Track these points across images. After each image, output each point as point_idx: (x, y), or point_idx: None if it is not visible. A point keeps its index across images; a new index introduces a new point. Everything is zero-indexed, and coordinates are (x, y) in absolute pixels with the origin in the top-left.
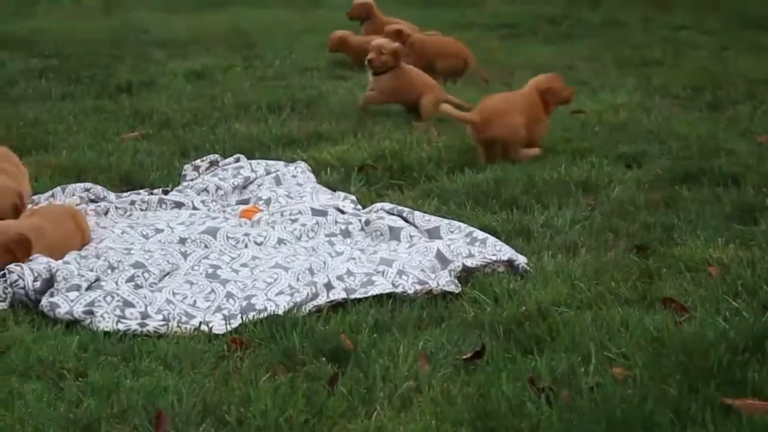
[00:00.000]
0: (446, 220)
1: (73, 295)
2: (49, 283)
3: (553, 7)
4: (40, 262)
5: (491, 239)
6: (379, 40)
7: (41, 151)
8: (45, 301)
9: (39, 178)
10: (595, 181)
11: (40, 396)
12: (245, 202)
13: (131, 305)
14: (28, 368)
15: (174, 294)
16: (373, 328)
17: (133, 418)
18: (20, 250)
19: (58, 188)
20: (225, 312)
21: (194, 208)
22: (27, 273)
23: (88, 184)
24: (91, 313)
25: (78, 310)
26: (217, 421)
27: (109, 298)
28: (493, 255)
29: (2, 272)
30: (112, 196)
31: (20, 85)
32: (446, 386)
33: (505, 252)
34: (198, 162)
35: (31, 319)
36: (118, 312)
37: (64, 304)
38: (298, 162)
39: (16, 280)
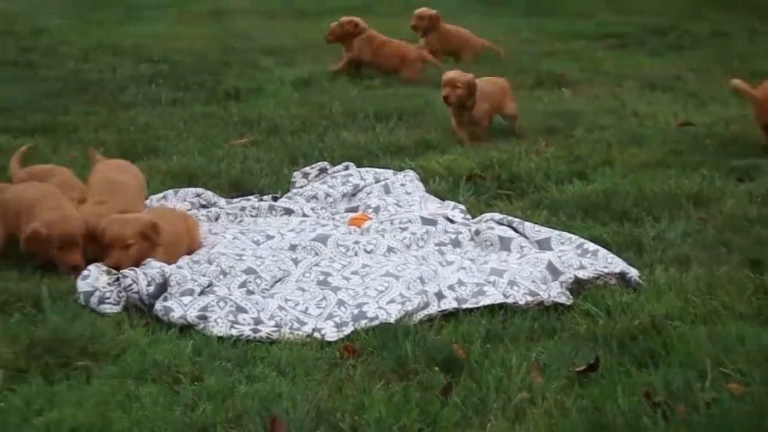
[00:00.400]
0: (557, 231)
1: (186, 299)
2: (163, 287)
3: (660, 19)
4: (154, 267)
5: (602, 251)
6: (451, 75)
7: (152, 156)
8: (159, 305)
9: (150, 183)
10: (707, 194)
11: (156, 399)
12: (354, 209)
13: (244, 311)
14: (144, 371)
15: (286, 300)
16: (485, 339)
17: (248, 423)
18: (155, 236)
19: (171, 191)
20: (336, 319)
21: (304, 215)
22: (141, 277)
23: (200, 190)
24: (204, 318)
25: (192, 315)
26: (331, 428)
27: (222, 304)
28: (605, 267)
29: (116, 277)
30: (222, 201)
31: (130, 91)
32: (560, 399)
33: (617, 264)
34: (307, 169)
35: (146, 323)
36: (231, 317)
37: (178, 308)
38: (406, 170)
39: (130, 285)
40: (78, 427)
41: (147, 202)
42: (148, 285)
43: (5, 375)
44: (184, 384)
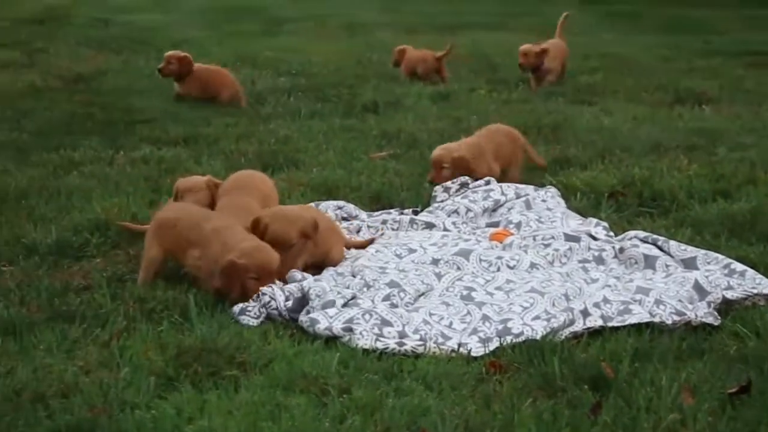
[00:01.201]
0: (702, 251)
1: (331, 311)
2: (302, 301)
3: None
4: (294, 279)
5: (750, 272)
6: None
7: (293, 168)
8: (304, 317)
9: (291, 195)
10: None
11: (305, 410)
12: (495, 224)
13: (389, 324)
14: (291, 382)
15: (430, 314)
16: (633, 358)
17: None
18: (313, 234)
19: (312, 204)
20: (481, 334)
21: (445, 229)
22: (278, 294)
23: (341, 202)
24: (350, 330)
25: (337, 327)
26: None
27: (367, 316)
28: (753, 288)
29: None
30: (363, 214)
31: (270, 103)
32: (712, 421)
33: (766, 285)
34: (449, 184)
35: (291, 334)
36: (376, 330)
37: (324, 320)
38: (548, 187)
39: (269, 302)
40: None
41: None
42: (286, 300)
43: (156, 382)
44: (332, 396)
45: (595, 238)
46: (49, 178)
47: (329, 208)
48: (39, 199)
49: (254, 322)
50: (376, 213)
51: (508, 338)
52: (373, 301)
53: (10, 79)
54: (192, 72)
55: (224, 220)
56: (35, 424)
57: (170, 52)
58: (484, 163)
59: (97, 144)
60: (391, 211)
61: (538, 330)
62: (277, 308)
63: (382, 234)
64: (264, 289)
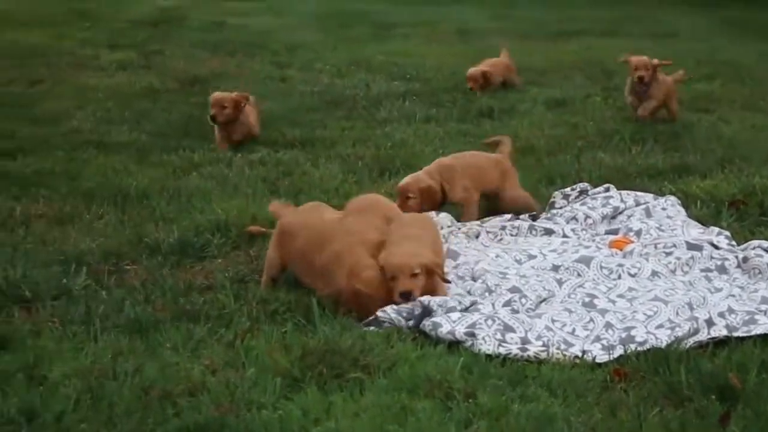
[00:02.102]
0: None
1: (454, 315)
2: (423, 315)
3: None
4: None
5: None
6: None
7: (410, 172)
8: (427, 320)
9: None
10: None
11: (431, 414)
12: (614, 232)
13: (512, 330)
14: (416, 386)
15: (553, 321)
16: (761, 368)
17: None
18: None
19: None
20: (604, 342)
21: (564, 235)
22: (396, 317)
23: None
24: (472, 335)
25: (460, 331)
26: None
27: (489, 322)
28: None
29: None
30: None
31: (385, 107)
32: None
33: None
34: (568, 190)
35: (414, 338)
36: (498, 336)
37: (446, 324)
38: (668, 196)
39: (390, 319)
40: None
41: None
42: (408, 320)
43: (282, 383)
44: (458, 400)
45: (717, 247)
46: (169, 179)
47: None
48: (160, 200)
49: (376, 327)
50: (494, 218)
51: (632, 346)
52: (493, 306)
53: (128, 80)
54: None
55: (347, 238)
56: (164, 422)
57: (218, 95)
58: (458, 186)
59: (216, 146)
60: (507, 216)
61: (662, 339)
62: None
63: (501, 239)
64: (380, 313)
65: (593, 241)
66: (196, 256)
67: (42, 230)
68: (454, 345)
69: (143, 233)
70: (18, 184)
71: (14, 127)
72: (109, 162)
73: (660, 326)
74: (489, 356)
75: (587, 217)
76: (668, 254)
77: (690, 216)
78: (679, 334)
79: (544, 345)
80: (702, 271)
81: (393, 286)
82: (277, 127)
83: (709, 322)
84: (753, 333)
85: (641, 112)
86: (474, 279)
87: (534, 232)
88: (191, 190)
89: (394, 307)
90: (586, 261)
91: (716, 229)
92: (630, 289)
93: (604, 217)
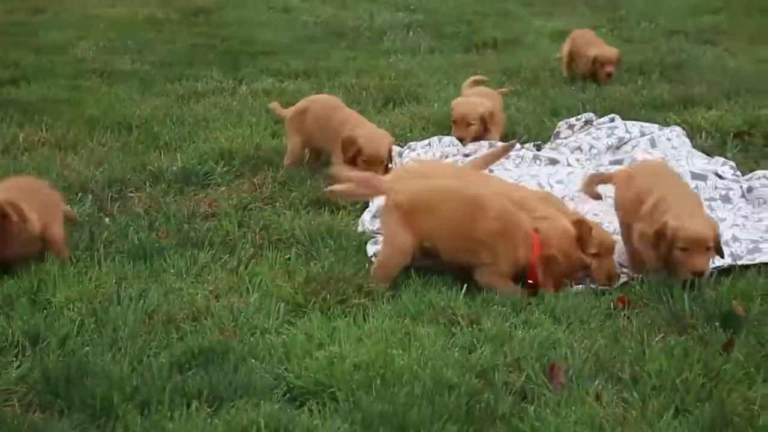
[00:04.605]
0: None
1: None
2: None
3: None
4: None
5: None
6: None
7: (414, 103)
8: None
9: (413, 129)
10: None
11: (435, 340)
12: (619, 162)
13: None
14: (419, 312)
15: None
16: (764, 296)
17: (526, 367)
18: None
19: (435, 138)
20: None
21: (569, 165)
22: None
23: None
24: None
25: None
26: (611, 378)
27: None
28: None
29: None
30: (484, 148)
31: (389, 38)
32: None
33: None
34: (572, 120)
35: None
36: None
37: None
38: (672, 126)
39: None
40: (360, 362)
41: (407, 150)
42: None
43: (285, 308)
44: (462, 326)
45: (721, 177)
46: (172, 108)
47: (452, 142)
48: (163, 128)
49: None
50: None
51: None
52: None
53: (130, 11)
54: None
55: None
56: (168, 346)
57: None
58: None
59: (219, 75)
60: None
61: None
62: None
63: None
64: None
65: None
66: (200, 183)
67: (45, 157)
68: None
69: (147, 161)
70: (21, 111)
71: (18, 56)
72: (113, 91)
73: None
74: None
75: (592, 147)
76: None
77: (695, 147)
78: None
79: None
80: (706, 200)
81: (680, 258)
82: (281, 58)
83: None
84: (757, 261)
85: None
86: None
87: (538, 162)
88: (195, 119)
89: None
90: None
91: (721, 159)
92: None
93: (608, 148)
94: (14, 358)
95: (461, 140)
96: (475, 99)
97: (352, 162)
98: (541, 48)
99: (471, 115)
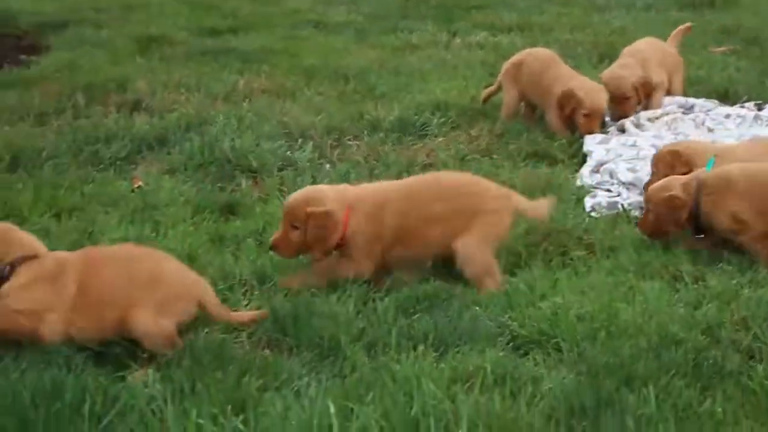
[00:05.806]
0: None
1: None
2: None
3: None
4: None
5: None
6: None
7: None
8: None
9: None
10: None
11: (659, 295)
12: None
13: None
14: (641, 267)
15: None
16: None
17: (753, 326)
18: None
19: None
20: None
21: None
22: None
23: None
24: None
25: None
26: None
27: None
28: None
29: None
30: (709, 105)
31: None
32: None
33: None
34: None
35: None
36: None
37: None
38: None
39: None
40: (583, 314)
41: None
42: None
43: (507, 259)
44: (686, 282)
45: None
46: (387, 59)
47: (674, 102)
48: (379, 79)
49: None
50: (719, 106)
51: None
52: None
53: None
54: None
55: None
56: (392, 289)
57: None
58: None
59: (433, 28)
60: (734, 106)
61: None
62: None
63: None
64: None
65: None
66: (417, 134)
67: (264, 104)
68: None
69: (364, 110)
70: (241, 60)
71: (236, 5)
72: (329, 41)
73: None
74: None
75: None
76: None
77: None
78: None
79: None
80: None
81: None
82: (495, 11)
83: None
84: None
85: None
86: None
87: (759, 122)
88: (410, 71)
89: None
90: None
91: None
92: None
93: None
94: (242, 296)
95: (624, 116)
96: (620, 71)
97: (569, 117)
98: (760, 6)
99: (623, 87)
